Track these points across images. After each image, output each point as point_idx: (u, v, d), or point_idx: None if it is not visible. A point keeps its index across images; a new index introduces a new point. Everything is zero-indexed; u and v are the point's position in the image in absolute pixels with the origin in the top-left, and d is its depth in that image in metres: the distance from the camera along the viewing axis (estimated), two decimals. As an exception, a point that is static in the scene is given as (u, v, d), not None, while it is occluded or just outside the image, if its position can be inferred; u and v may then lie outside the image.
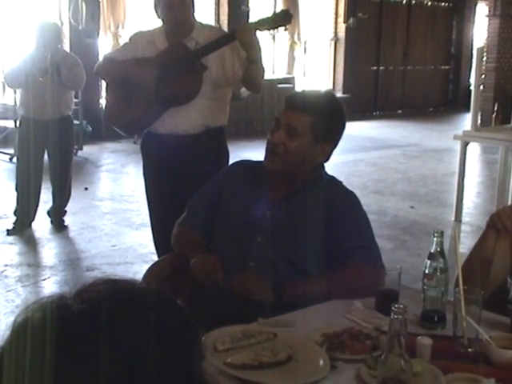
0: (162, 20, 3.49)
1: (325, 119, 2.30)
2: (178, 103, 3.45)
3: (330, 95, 2.54)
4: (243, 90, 3.61)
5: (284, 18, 3.36)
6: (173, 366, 0.82)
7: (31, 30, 5.51)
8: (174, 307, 0.89)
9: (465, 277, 1.92)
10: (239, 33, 3.27)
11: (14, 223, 5.63)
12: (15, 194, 5.67)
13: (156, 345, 0.81)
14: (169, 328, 0.84)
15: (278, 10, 11.79)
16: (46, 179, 5.70)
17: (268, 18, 3.33)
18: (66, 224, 5.82)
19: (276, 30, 10.54)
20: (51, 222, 5.81)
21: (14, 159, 8.35)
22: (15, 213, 5.66)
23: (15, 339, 0.81)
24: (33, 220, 5.73)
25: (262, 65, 3.39)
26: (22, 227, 5.63)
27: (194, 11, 3.49)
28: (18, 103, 5.72)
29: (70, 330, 0.80)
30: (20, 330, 0.81)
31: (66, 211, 5.85)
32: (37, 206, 5.69)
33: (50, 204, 5.83)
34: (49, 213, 5.84)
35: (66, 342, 0.79)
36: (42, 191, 5.71)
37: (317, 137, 2.30)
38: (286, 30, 12.09)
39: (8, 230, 5.59)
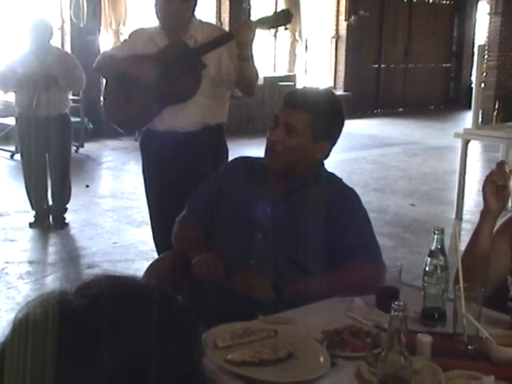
0: None
1: (324, 116, 2.30)
2: (178, 101, 3.45)
3: (328, 92, 2.54)
4: (236, 90, 3.60)
5: (284, 18, 3.35)
6: (173, 362, 0.82)
7: (24, 28, 5.53)
8: (175, 304, 0.89)
9: (463, 272, 1.92)
10: (239, 32, 3.25)
11: (35, 216, 5.71)
12: (25, 189, 5.73)
13: (156, 341, 0.81)
14: (169, 324, 0.84)
15: (279, 8, 11.82)
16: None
17: (268, 17, 3.33)
18: (67, 221, 5.83)
19: (276, 29, 10.56)
20: (52, 219, 5.82)
21: (16, 156, 8.40)
22: (32, 207, 5.72)
23: (16, 335, 0.81)
24: (49, 212, 5.79)
25: (254, 66, 3.38)
26: (41, 220, 5.72)
27: (193, 9, 3.49)
28: (14, 101, 5.73)
29: (71, 326, 0.80)
30: (21, 325, 0.82)
31: (66, 208, 5.86)
32: (47, 199, 5.75)
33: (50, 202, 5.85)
34: (49, 210, 5.85)
35: (66, 338, 0.79)
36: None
37: (316, 134, 2.30)
38: (286, 29, 12.08)
39: (30, 223, 5.67)
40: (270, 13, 3.44)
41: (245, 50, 3.28)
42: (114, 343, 0.79)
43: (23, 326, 0.81)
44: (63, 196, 5.76)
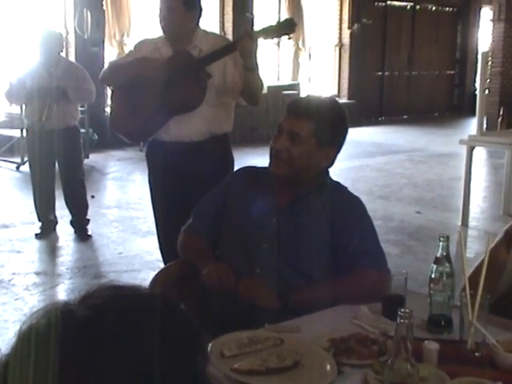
0: None
1: (327, 124, 2.31)
2: (183, 111, 3.46)
3: (331, 100, 2.56)
4: (240, 100, 3.60)
5: (288, 27, 3.35)
6: (177, 371, 0.82)
7: (34, 39, 5.57)
8: (178, 313, 0.89)
9: (475, 281, 1.93)
10: (242, 43, 3.26)
11: (41, 228, 5.74)
12: (33, 200, 5.76)
13: (160, 350, 0.81)
14: (172, 333, 0.84)
15: (282, 17, 11.85)
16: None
17: (272, 26, 3.32)
18: (89, 233, 5.81)
19: (280, 38, 10.59)
20: (74, 231, 5.83)
21: (21, 168, 8.45)
22: (39, 218, 5.75)
23: (20, 346, 0.81)
24: (56, 223, 5.83)
25: (259, 76, 3.39)
26: (47, 231, 5.74)
27: (197, 19, 3.51)
28: (23, 113, 5.77)
29: (74, 337, 0.80)
30: (25, 337, 0.82)
31: (88, 220, 5.86)
32: (54, 211, 5.79)
33: (70, 215, 5.87)
34: (72, 223, 5.86)
35: (70, 349, 0.79)
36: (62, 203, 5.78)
37: (320, 142, 2.30)
38: (289, 38, 12.11)
39: (36, 235, 5.69)
40: (274, 22, 3.43)
41: (249, 60, 3.28)
42: (116, 353, 0.79)
43: (27, 337, 0.81)
44: (81, 207, 5.78)
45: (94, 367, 0.78)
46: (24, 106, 5.67)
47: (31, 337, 0.81)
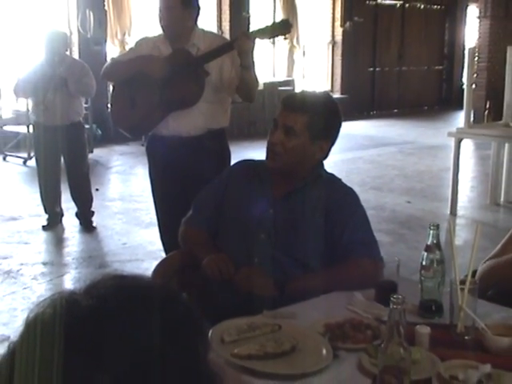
0: None
1: (320, 117, 2.35)
2: (181, 107, 3.51)
3: (324, 94, 2.59)
4: (236, 96, 3.65)
5: (283, 28, 3.37)
6: (179, 359, 0.84)
7: (40, 38, 5.62)
8: (180, 302, 0.90)
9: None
10: (239, 43, 3.29)
11: (48, 220, 5.82)
12: (40, 194, 5.83)
13: (162, 339, 0.82)
14: (174, 322, 0.86)
15: (278, 15, 11.89)
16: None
17: (268, 27, 3.35)
18: (94, 225, 5.89)
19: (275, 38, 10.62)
20: (80, 223, 5.90)
21: (28, 162, 8.53)
22: (45, 211, 5.83)
23: (26, 335, 0.83)
24: (63, 215, 5.91)
25: (255, 73, 3.44)
26: (54, 223, 5.83)
27: (195, 18, 3.55)
28: (30, 109, 5.83)
29: (79, 326, 0.81)
30: (30, 325, 0.83)
31: (93, 212, 5.94)
32: (60, 204, 5.86)
33: (75, 208, 5.93)
34: (77, 215, 5.94)
35: (74, 338, 0.80)
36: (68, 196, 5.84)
37: (313, 135, 2.34)
38: (285, 39, 12.15)
39: (43, 226, 5.78)
40: (270, 23, 3.44)
41: (246, 59, 3.33)
42: (119, 342, 0.81)
43: (32, 325, 0.83)
44: (86, 199, 5.86)
45: (98, 355, 0.79)
46: (30, 103, 5.72)
47: (37, 325, 0.82)
